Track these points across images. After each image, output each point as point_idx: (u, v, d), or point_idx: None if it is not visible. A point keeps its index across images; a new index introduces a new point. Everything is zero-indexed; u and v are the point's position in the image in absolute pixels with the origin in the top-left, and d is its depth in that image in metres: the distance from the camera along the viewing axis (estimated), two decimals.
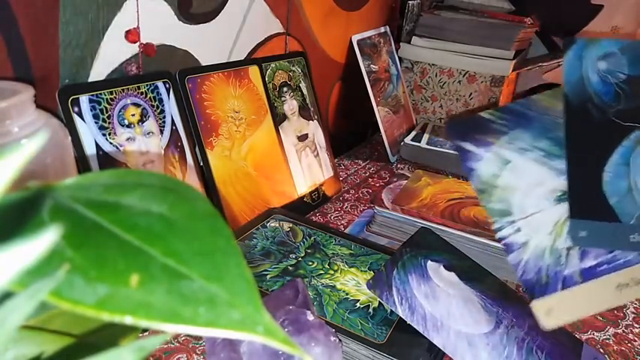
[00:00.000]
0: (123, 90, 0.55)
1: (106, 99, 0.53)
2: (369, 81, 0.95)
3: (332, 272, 0.55)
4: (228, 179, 0.65)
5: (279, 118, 0.74)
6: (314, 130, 0.81)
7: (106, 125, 0.53)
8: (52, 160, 0.43)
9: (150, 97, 0.57)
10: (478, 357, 0.44)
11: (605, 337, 0.56)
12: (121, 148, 0.54)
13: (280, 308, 0.42)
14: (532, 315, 0.48)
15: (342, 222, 0.75)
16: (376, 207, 0.69)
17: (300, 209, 0.73)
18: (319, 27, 0.90)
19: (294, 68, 0.80)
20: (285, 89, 0.77)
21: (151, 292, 0.16)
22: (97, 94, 0.52)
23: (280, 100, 0.75)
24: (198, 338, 0.49)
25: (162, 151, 0.58)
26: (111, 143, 0.53)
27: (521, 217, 0.45)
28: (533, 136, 0.46)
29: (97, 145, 0.52)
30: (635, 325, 0.58)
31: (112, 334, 0.22)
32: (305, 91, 0.81)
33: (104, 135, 0.52)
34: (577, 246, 0.44)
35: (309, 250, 0.59)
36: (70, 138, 0.47)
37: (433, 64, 1.08)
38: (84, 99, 0.51)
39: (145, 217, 0.18)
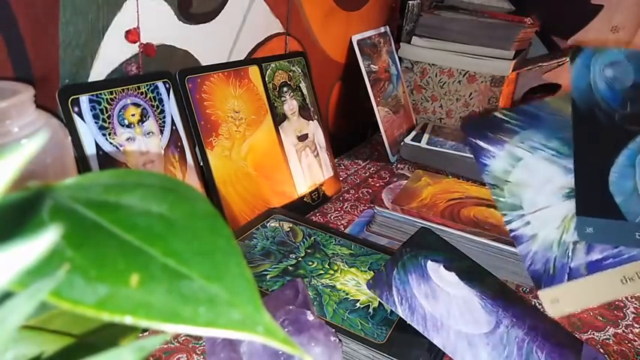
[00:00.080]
0: (123, 90, 0.55)
1: (106, 99, 0.53)
2: (369, 81, 0.95)
3: (332, 272, 0.55)
4: (228, 179, 0.65)
5: (279, 118, 0.74)
6: (314, 130, 0.81)
7: (106, 125, 0.53)
8: (52, 160, 0.43)
9: (150, 97, 0.57)
10: (478, 357, 0.44)
11: (605, 337, 0.56)
12: (121, 148, 0.54)
13: (280, 308, 0.42)
14: (532, 315, 0.49)
15: (342, 222, 0.75)
16: (376, 207, 0.69)
17: (300, 209, 0.73)
18: (319, 27, 0.90)
19: (294, 68, 0.80)
20: (285, 89, 0.77)
21: (150, 292, 0.16)
22: (97, 94, 0.52)
23: (280, 100, 0.75)
24: (198, 338, 0.49)
25: (162, 151, 0.58)
26: (111, 143, 0.53)
27: (531, 212, 0.47)
28: (544, 136, 0.48)
29: (97, 145, 0.52)
30: (635, 325, 0.58)
31: (112, 334, 0.22)
32: (305, 91, 0.81)
33: (104, 135, 0.52)
34: (584, 241, 0.47)
35: (309, 250, 0.59)
36: (70, 138, 0.47)
37: (433, 64, 1.08)
38: (84, 99, 0.51)
39: (145, 217, 0.18)
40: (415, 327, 0.45)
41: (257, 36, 0.76)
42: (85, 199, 0.18)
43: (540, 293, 0.46)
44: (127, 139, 0.54)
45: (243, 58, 0.74)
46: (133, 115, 0.55)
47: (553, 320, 0.53)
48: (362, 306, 0.50)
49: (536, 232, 0.47)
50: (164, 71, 0.60)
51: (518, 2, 1.16)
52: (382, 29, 1.07)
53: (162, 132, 0.58)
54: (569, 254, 0.46)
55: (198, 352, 0.48)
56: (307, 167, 0.78)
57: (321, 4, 0.90)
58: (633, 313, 0.60)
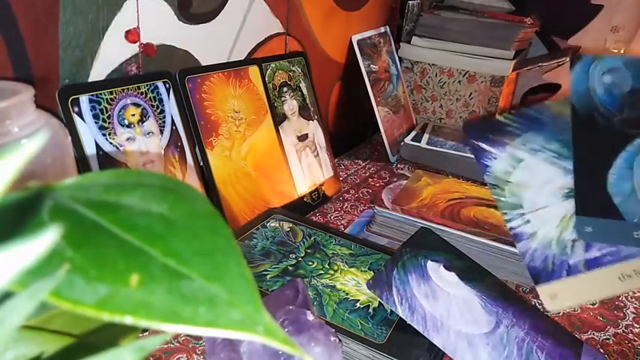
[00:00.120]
0: (123, 90, 0.55)
1: (106, 99, 0.53)
2: (369, 81, 0.95)
3: (332, 272, 0.55)
4: (228, 179, 0.65)
5: (279, 118, 0.74)
6: (314, 130, 0.81)
7: (106, 125, 0.53)
8: (52, 160, 0.43)
9: (150, 97, 0.57)
10: (478, 357, 0.44)
11: (605, 337, 0.56)
12: (121, 148, 0.54)
13: (280, 308, 0.42)
14: (532, 315, 0.49)
15: (342, 222, 0.75)
16: (376, 207, 0.69)
17: (300, 209, 0.73)
18: (319, 27, 0.90)
19: (294, 68, 0.80)
20: (285, 89, 0.77)
21: (151, 292, 0.16)
22: (97, 94, 0.52)
23: (280, 100, 0.75)
24: (198, 338, 0.49)
25: (162, 151, 0.58)
26: (111, 143, 0.53)
27: (531, 211, 0.49)
28: (545, 139, 0.50)
29: (97, 145, 0.52)
30: (635, 325, 0.58)
31: (112, 334, 0.22)
32: (305, 91, 0.81)
33: (104, 135, 0.52)
34: (582, 240, 0.48)
35: (309, 250, 0.59)
36: (70, 138, 0.47)
37: (433, 64, 1.08)
38: (84, 99, 0.51)
39: (145, 217, 0.18)
40: (415, 327, 0.45)
41: (257, 36, 0.76)
42: (85, 199, 0.18)
43: (539, 288, 0.47)
44: (127, 139, 0.54)
45: (243, 58, 0.74)
46: (133, 115, 0.55)
47: (553, 320, 0.53)
48: (362, 306, 0.50)
49: (536, 230, 0.48)
50: (164, 71, 0.60)
51: (518, 2, 1.16)
52: (382, 29, 1.07)
53: (162, 132, 0.58)
54: (568, 252, 0.47)
55: (198, 352, 0.48)
56: (307, 167, 0.78)
57: (321, 4, 0.90)
58: (633, 313, 0.60)
